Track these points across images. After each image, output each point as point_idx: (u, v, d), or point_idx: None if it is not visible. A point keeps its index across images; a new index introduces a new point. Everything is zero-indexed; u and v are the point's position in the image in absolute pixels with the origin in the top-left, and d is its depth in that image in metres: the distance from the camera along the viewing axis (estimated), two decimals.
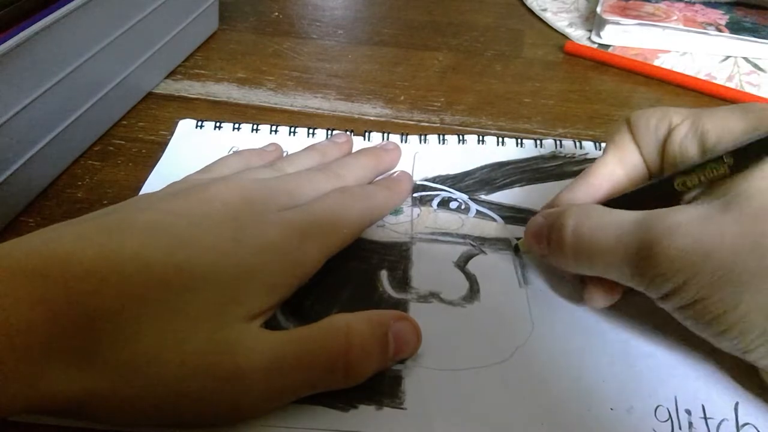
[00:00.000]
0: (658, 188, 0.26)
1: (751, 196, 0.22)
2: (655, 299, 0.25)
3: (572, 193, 0.29)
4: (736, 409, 0.25)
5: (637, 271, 0.24)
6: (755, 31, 0.51)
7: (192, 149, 0.39)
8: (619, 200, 0.27)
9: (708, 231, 0.22)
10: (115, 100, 0.41)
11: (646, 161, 0.28)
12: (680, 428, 0.25)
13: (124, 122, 0.42)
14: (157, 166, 0.37)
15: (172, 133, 0.40)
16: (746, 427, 0.25)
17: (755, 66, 0.50)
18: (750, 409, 0.25)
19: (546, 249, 0.28)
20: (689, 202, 0.25)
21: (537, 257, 0.31)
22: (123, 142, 0.40)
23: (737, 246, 0.21)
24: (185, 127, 0.41)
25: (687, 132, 0.26)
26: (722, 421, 0.25)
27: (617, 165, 0.29)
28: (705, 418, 0.25)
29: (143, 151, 0.39)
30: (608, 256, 0.25)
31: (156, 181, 0.36)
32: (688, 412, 0.25)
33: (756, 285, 0.21)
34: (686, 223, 0.23)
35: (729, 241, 0.21)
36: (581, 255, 0.26)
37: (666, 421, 0.25)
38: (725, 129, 0.25)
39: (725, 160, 0.24)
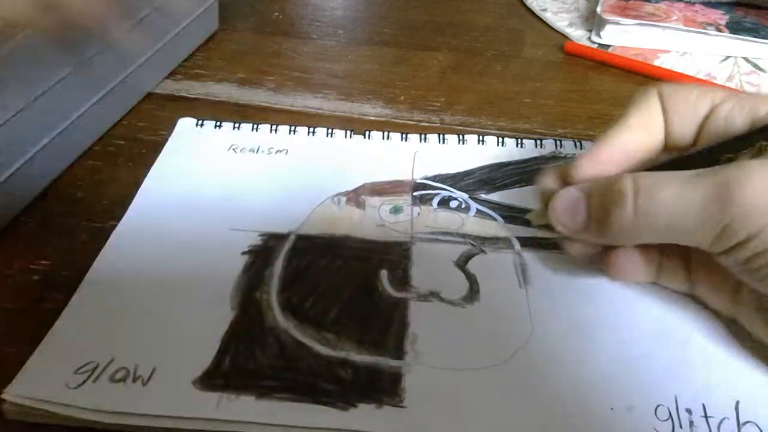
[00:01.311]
0: (703, 156, 0.25)
1: None
2: (719, 252, 0.24)
3: (595, 159, 0.28)
4: (737, 408, 0.25)
5: (709, 222, 0.23)
6: (755, 31, 0.51)
7: (191, 148, 0.39)
8: (659, 167, 0.26)
9: None
10: (115, 100, 0.41)
11: (673, 133, 0.28)
12: (681, 427, 0.25)
13: (124, 122, 0.42)
14: (155, 164, 0.37)
15: (171, 133, 0.40)
16: (747, 425, 0.25)
17: (755, 66, 0.50)
18: (751, 408, 0.25)
19: (584, 224, 0.27)
20: None
21: (559, 231, 0.29)
22: (123, 142, 0.40)
23: None
24: (184, 125, 0.41)
25: (733, 107, 0.26)
26: (723, 419, 0.25)
27: (644, 132, 0.28)
28: (706, 416, 0.25)
29: (143, 151, 0.39)
30: (681, 223, 0.23)
31: (154, 179, 0.36)
32: (689, 411, 0.25)
33: None
34: (760, 169, 0.22)
35: None
36: (643, 227, 0.24)
37: (666, 420, 0.25)
38: None
39: None
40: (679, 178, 0.24)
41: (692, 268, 0.28)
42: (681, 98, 0.27)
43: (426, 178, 0.37)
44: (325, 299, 0.29)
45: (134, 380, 0.25)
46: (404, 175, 0.37)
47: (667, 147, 0.28)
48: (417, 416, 0.25)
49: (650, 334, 0.28)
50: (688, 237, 0.24)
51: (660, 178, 0.24)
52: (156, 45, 0.44)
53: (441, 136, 0.40)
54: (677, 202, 0.23)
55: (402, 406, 0.25)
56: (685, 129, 0.27)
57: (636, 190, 0.25)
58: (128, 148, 0.39)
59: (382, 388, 0.26)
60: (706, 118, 0.27)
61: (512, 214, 0.35)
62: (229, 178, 0.37)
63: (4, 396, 0.24)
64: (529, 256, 0.32)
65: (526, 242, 0.33)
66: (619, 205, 0.25)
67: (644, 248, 0.27)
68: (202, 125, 0.41)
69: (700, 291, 0.28)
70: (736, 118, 0.26)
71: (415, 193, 0.36)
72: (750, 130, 0.24)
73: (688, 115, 0.27)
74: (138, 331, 0.28)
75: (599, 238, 0.27)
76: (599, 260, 0.29)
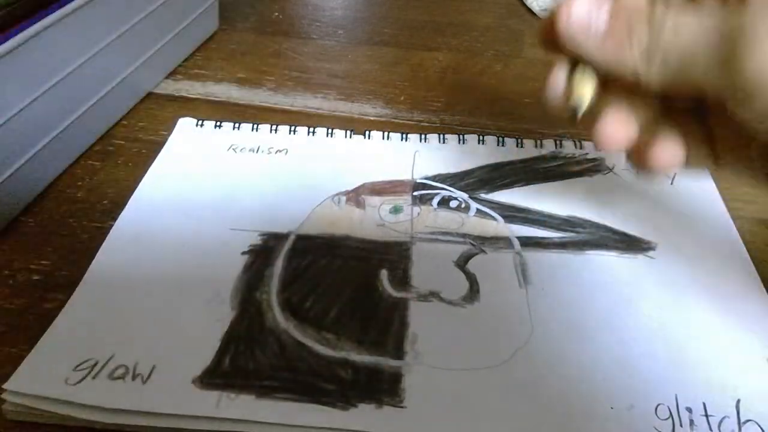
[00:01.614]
0: None
1: None
2: (732, 101, 0.22)
3: None
4: (737, 406, 0.25)
5: (719, 57, 0.21)
6: None
7: (191, 148, 0.39)
8: None
9: None
10: (115, 100, 0.41)
11: None
12: (681, 426, 0.25)
13: (124, 122, 0.42)
14: (153, 163, 0.37)
15: (171, 133, 0.40)
16: (748, 423, 0.25)
17: None
18: (752, 406, 0.25)
19: (600, 38, 0.23)
20: None
21: (567, 45, 0.24)
22: (123, 142, 0.40)
23: None
24: (184, 125, 0.41)
25: None
26: (723, 418, 0.25)
27: None
28: (706, 415, 0.25)
29: (143, 151, 0.39)
30: (695, 53, 0.22)
31: (152, 178, 0.36)
32: (689, 409, 0.25)
33: None
34: None
35: None
36: (662, 52, 0.22)
37: (667, 419, 0.25)
38: None
39: None
40: (703, 8, 0.22)
41: (719, 147, 0.26)
42: None
43: (426, 178, 0.37)
44: (325, 299, 0.29)
45: (134, 378, 0.25)
46: (404, 174, 0.37)
47: None
48: (417, 416, 0.25)
49: (650, 334, 0.28)
50: (698, 71, 0.22)
51: (687, 6, 0.22)
52: (156, 45, 0.44)
53: (441, 136, 0.40)
54: (697, 30, 0.22)
55: (402, 406, 0.25)
56: None
57: (665, 11, 0.23)
58: (128, 149, 0.39)
59: (382, 388, 0.26)
60: None
61: (512, 214, 0.35)
62: (229, 178, 0.37)
63: (4, 393, 0.24)
64: (530, 256, 0.32)
65: (527, 242, 0.33)
66: (646, 22, 0.23)
67: (670, 132, 0.25)
68: (202, 125, 0.41)
69: (732, 170, 0.26)
70: None
71: (415, 193, 0.36)
72: None
73: None
74: (138, 329, 0.28)
75: (611, 59, 0.23)
76: (630, 155, 0.26)
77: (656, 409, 0.25)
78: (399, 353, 0.27)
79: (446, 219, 0.34)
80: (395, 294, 0.30)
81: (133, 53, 0.42)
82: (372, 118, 0.44)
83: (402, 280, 0.31)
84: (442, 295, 0.30)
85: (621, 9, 0.23)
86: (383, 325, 0.28)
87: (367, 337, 0.28)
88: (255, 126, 0.41)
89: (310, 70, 0.49)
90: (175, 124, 0.41)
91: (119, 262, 0.31)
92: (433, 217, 0.34)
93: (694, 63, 0.22)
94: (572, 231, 0.34)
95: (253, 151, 0.39)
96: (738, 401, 0.25)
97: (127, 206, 0.34)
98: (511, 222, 0.34)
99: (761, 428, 0.25)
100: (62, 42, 0.35)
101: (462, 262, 0.32)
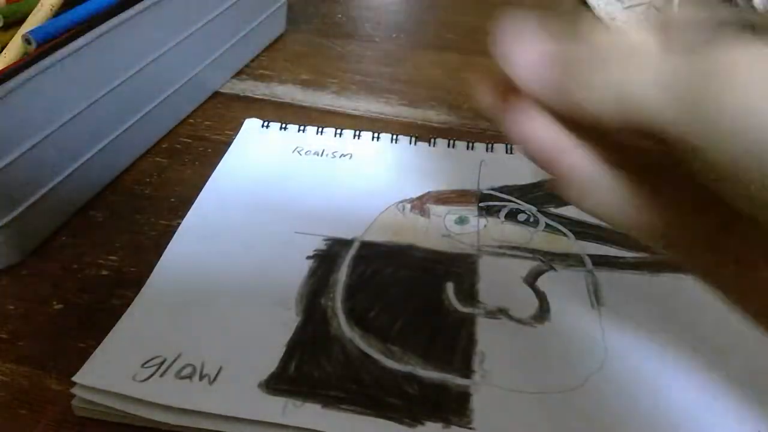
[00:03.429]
0: None
1: None
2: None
3: None
4: None
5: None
6: None
7: (256, 148, 0.39)
8: None
9: None
10: (182, 98, 0.41)
11: None
12: None
13: (191, 120, 0.42)
14: (220, 162, 0.37)
15: (237, 133, 0.40)
16: None
17: None
18: None
19: (554, 83, 0.18)
20: None
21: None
22: (189, 141, 0.40)
23: None
24: (251, 126, 0.41)
25: None
26: None
27: None
28: None
29: (209, 150, 0.39)
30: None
31: (219, 178, 0.36)
32: None
33: None
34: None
35: None
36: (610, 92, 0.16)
37: None
38: None
39: None
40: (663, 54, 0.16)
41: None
42: None
43: (492, 189, 0.36)
44: (390, 310, 0.29)
45: (201, 378, 0.25)
46: (470, 184, 0.37)
47: None
48: None
49: (738, 361, 0.27)
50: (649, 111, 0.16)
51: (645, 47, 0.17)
52: (224, 45, 0.45)
53: (508, 146, 0.39)
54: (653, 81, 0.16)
55: (471, 428, 0.24)
56: None
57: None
58: (194, 147, 0.40)
59: (450, 406, 0.25)
60: None
61: (584, 230, 0.33)
62: (294, 181, 0.36)
63: (74, 387, 0.25)
64: (603, 276, 0.31)
65: (599, 260, 0.31)
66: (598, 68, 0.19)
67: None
68: (267, 126, 0.41)
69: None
70: None
71: (481, 204, 0.35)
72: None
73: None
74: (204, 329, 0.27)
75: (558, 99, 0.18)
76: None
77: None
78: (466, 371, 0.26)
79: (514, 233, 0.33)
80: (462, 309, 0.29)
81: (203, 52, 0.43)
82: (436, 125, 0.43)
83: (469, 294, 0.30)
84: (510, 312, 0.29)
85: (573, 55, 0.19)
86: (450, 340, 0.27)
87: (434, 352, 0.27)
88: (320, 129, 0.40)
89: (373, 74, 0.49)
90: (240, 124, 0.41)
91: (186, 261, 0.31)
92: (500, 230, 0.33)
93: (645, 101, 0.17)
94: (648, 251, 0.32)
95: (318, 154, 0.39)
96: None
97: (194, 205, 0.34)
98: (583, 239, 0.33)
99: None
100: (135, 39, 0.35)
101: (531, 279, 0.31)
